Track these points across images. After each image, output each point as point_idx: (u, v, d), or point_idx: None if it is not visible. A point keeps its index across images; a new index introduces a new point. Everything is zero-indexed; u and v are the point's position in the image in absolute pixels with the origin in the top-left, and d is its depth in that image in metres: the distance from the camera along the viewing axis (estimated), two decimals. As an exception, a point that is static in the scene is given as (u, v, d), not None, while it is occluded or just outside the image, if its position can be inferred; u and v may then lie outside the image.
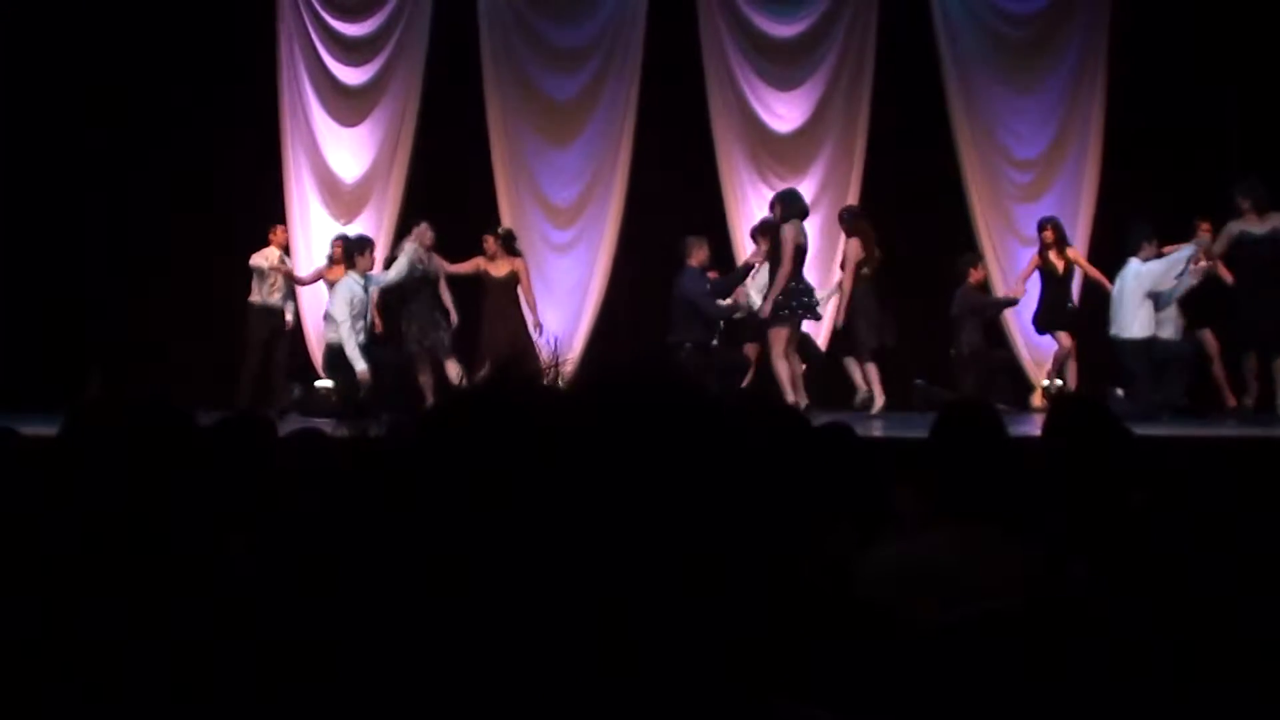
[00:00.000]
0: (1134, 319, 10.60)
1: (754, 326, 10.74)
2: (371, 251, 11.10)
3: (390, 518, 0.92)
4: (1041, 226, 11.28)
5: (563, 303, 12.53)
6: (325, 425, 4.68)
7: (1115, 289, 10.75)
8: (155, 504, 1.82)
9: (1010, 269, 12.14)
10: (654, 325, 10.99)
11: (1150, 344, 10.61)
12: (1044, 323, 11.33)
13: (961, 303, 11.40)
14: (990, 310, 11.68)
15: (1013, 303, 11.67)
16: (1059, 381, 12.06)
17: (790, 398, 10.11)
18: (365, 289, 10.76)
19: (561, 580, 0.89)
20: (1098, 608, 2.20)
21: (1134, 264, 10.62)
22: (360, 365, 10.58)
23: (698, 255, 10.79)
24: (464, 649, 0.88)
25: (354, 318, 10.65)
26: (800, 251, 10.42)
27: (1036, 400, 12.01)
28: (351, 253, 10.94)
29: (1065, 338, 11.20)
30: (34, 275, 11.87)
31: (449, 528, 0.90)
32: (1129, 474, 3.32)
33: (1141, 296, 10.60)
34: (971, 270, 11.51)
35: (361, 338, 10.67)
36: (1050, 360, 11.74)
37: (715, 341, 10.87)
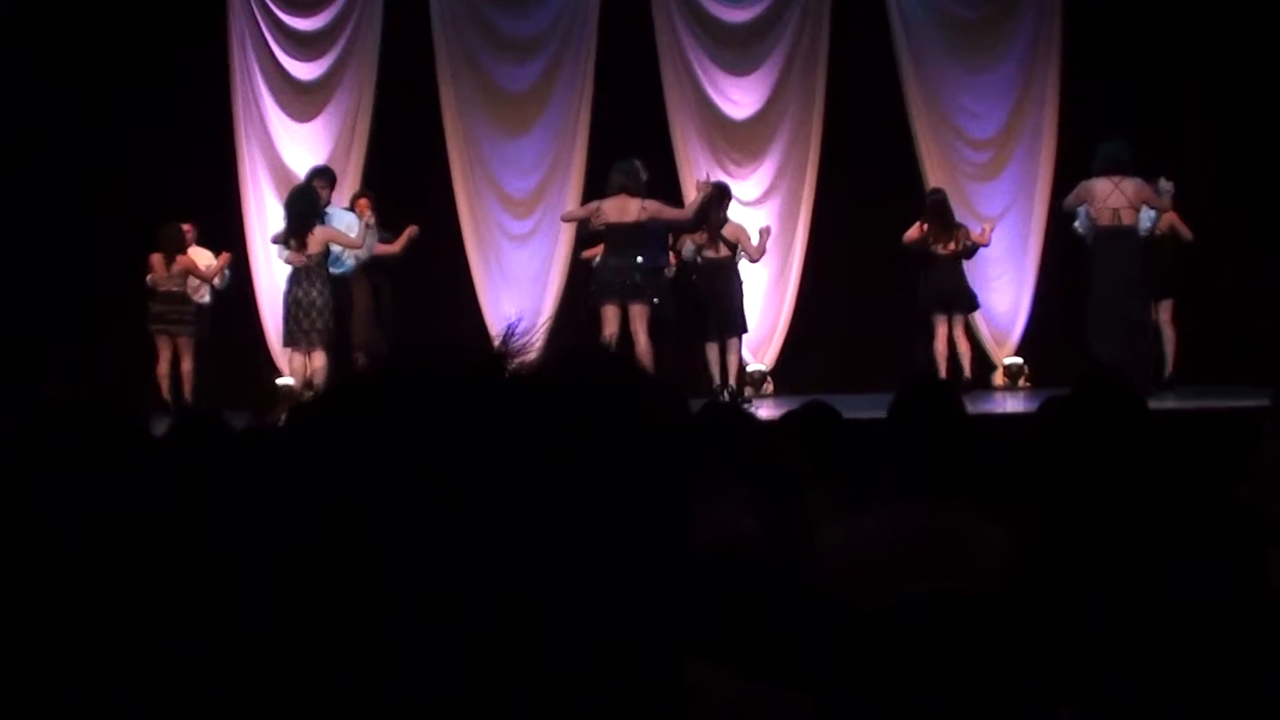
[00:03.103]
0: None
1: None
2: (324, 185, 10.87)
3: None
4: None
5: (522, 293, 12.49)
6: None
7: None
8: (101, 507, 1.79)
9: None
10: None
11: None
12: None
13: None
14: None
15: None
16: (1019, 360, 12.13)
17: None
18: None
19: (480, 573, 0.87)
20: (1061, 590, 2.19)
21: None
22: None
23: None
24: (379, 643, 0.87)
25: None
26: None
27: (998, 379, 12.08)
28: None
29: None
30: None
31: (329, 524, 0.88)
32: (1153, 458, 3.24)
33: None
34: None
35: None
36: (1008, 339, 11.79)
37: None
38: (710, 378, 10.55)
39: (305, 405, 0.96)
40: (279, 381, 11.88)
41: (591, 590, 0.92)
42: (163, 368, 11.16)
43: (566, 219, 11.16)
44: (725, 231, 10.60)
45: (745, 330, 10.88)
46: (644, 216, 10.05)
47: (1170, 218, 10.77)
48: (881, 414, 3.30)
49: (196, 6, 12.35)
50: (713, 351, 10.60)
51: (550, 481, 0.91)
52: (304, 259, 10.32)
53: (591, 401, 0.99)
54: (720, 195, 10.69)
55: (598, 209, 10.25)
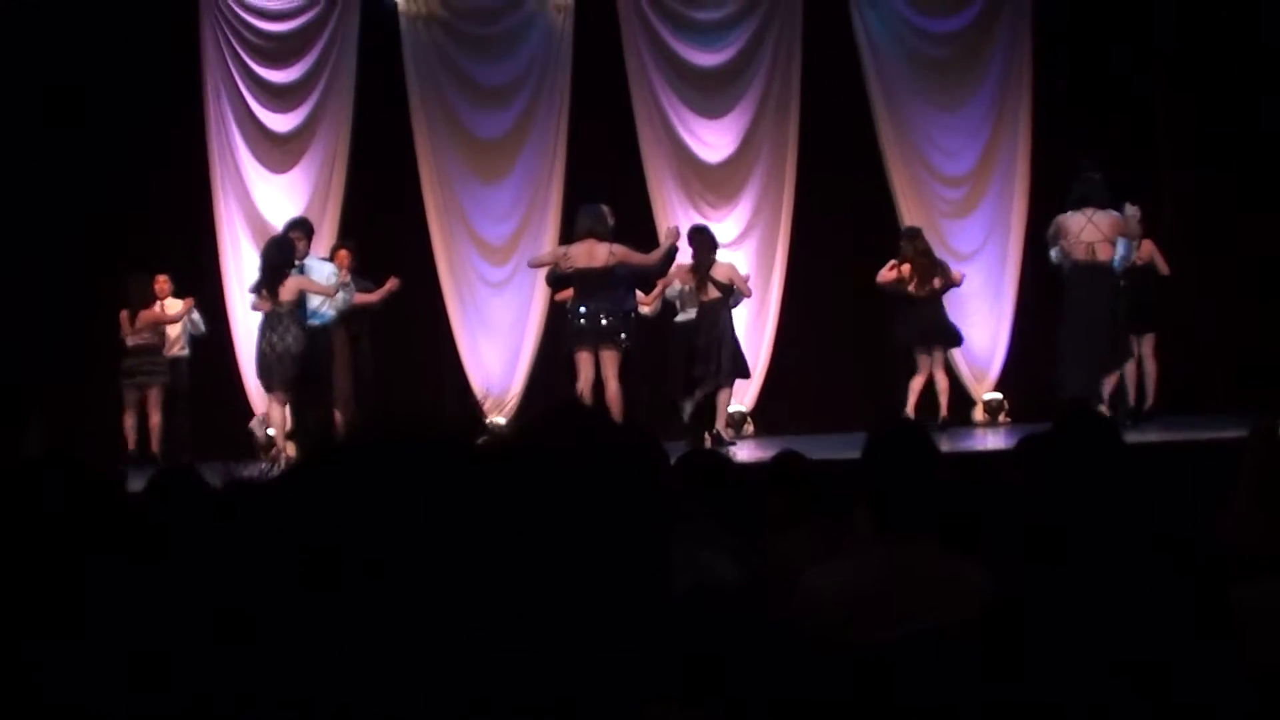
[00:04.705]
0: None
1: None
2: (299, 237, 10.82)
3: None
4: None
5: (501, 340, 12.50)
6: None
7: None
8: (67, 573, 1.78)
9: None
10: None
11: None
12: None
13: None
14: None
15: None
16: (999, 395, 12.15)
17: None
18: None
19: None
20: (1039, 624, 2.18)
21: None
22: None
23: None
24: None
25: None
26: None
27: (978, 415, 12.09)
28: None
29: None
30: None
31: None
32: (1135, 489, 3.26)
33: None
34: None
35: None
36: (987, 374, 11.83)
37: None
38: (694, 421, 10.50)
39: (291, 470, 0.98)
40: (252, 425, 11.83)
41: (567, 635, 0.93)
42: (129, 420, 11.16)
43: (534, 264, 11.10)
44: (715, 273, 10.59)
45: (749, 375, 10.93)
46: (612, 261, 10.07)
47: (1149, 247, 10.81)
48: (859, 454, 3.31)
49: (171, 59, 12.36)
50: (703, 396, 10.54)
51: (526, 539, 0.93)
52: (268, 306, 10.26)
53: (569, 462, 1.00)
54: (709, 242, 10.64)
55: (565, 254, 10.27)
